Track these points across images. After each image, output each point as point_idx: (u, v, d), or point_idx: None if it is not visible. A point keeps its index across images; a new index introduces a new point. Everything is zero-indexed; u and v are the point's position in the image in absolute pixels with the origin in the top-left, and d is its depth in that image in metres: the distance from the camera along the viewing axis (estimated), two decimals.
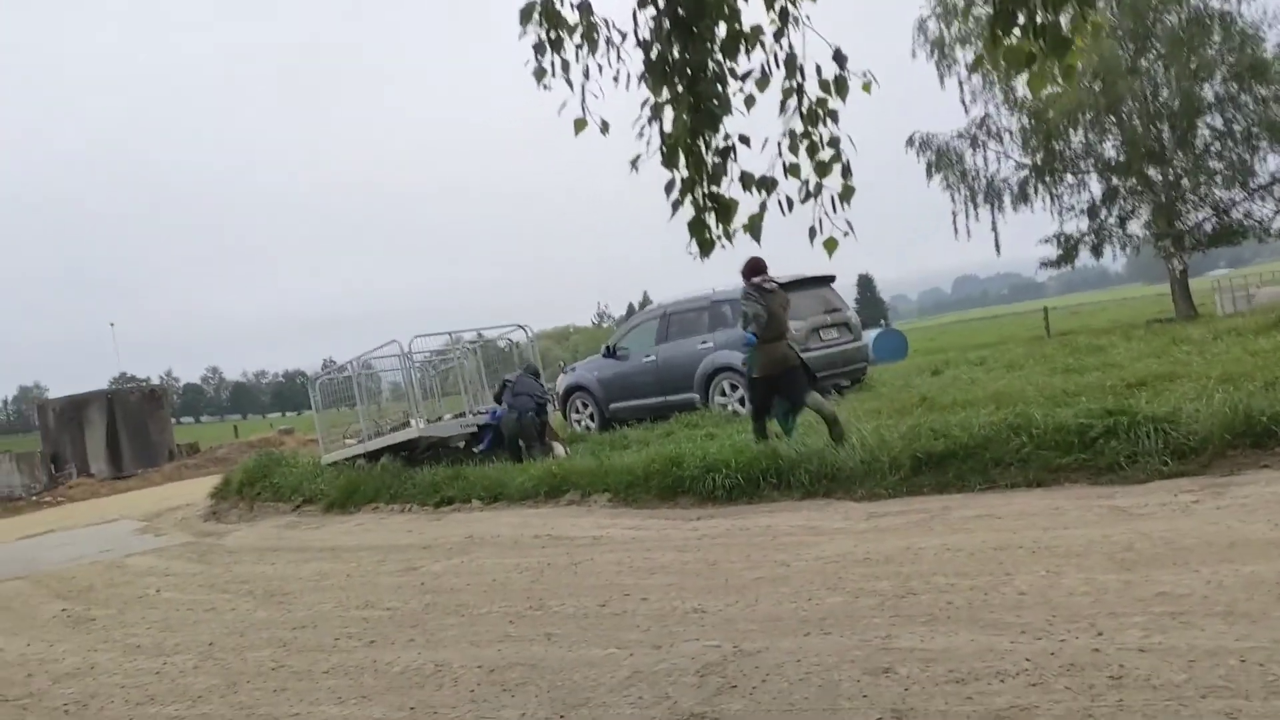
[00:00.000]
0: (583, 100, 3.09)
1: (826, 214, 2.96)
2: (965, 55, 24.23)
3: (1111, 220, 25.69)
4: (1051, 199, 25.39)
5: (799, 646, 3.80)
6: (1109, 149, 24.91)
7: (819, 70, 2.96)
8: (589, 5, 3.05)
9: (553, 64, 3.10)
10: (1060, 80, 2.54)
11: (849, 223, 2.97)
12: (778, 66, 3.00)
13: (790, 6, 2.96)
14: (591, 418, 13.87)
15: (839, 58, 2.90)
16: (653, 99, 3.01)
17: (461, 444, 11.70)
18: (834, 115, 2.97)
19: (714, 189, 3.05)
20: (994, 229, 25.72)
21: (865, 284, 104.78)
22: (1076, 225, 25.95)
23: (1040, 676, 3.13)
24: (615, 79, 3.07)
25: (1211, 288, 28.62)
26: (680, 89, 2.95)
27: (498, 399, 11.23)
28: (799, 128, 2.99)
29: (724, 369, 12.03)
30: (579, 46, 3.05)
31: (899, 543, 5.19)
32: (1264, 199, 23.81)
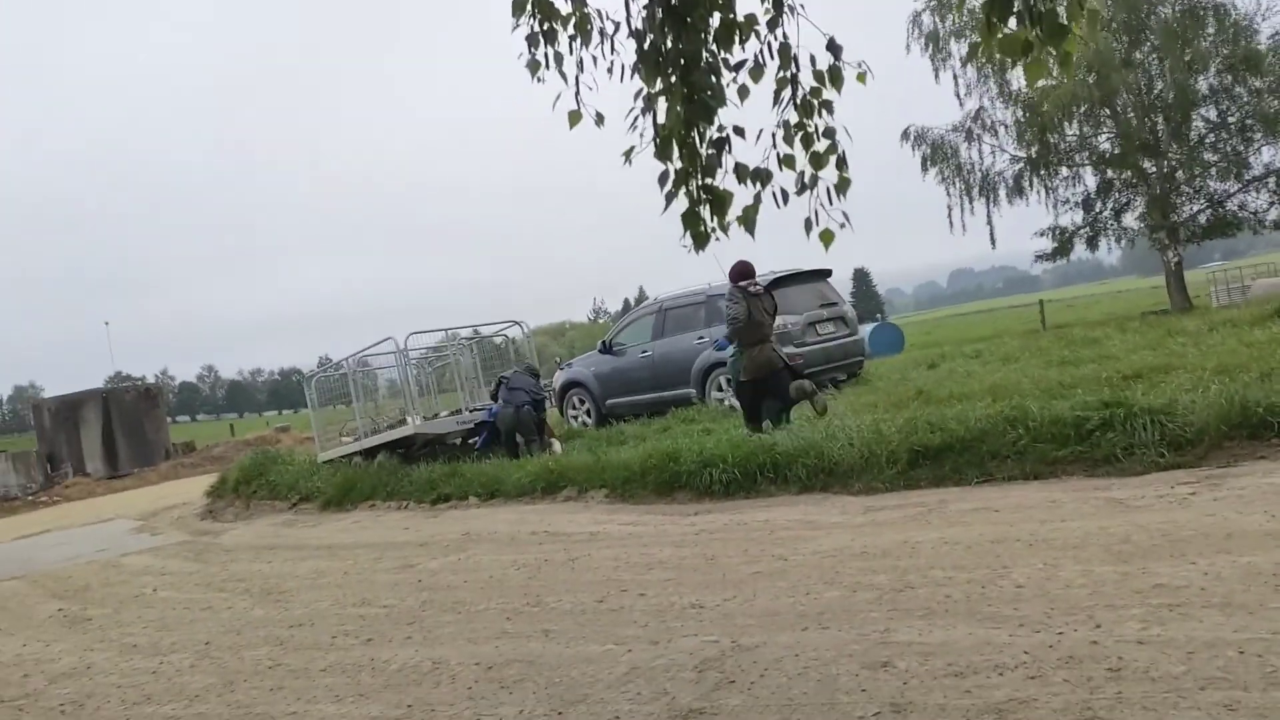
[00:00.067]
0: (577, 93, 3.07)
1: (822, 206, 2.94)
2: (959, 49, 24.25)
3: (1106, 213, 25.73)
4: (1046, 192, 25.44)
5: (797, 641, 3.80)
6: (1103, 141, 24.94)
7: (813, 60, 2.93)
8: None
9: (546, 56, 3.08)
10: (1057, 69, 2.52)
11: (845, 214, 2.95)
12: (772, 57, 2.97)
13: None
14: (588, 413, 13.86)
15: (833, 47, 2.87)
16: (646, 90, 2.99)
17: (458, 441, 11.69)
18: (829, 106, 2.95)
19: (708, 181, 3.03)
20: (989, 222, 25.77)
21: (861, 278, 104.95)
22: (1071, 218, 26.02)
23: (1039, 669, 3.13)
24: (609, 71, 3.04)
25: (1206, 280, 28.69)
26: (674, 80, 2.92)
27: (493, 397, 11.22)
28: (794, 119, 2.97)
29: (720, 364, 12.02)
30: (572, 38, 3.03)
31: (896, 536, 5.19)
32: (1258, 191, 23.84)
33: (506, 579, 5.75)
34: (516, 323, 13.15)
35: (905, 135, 25.81)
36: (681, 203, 3.05)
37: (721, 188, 3.05)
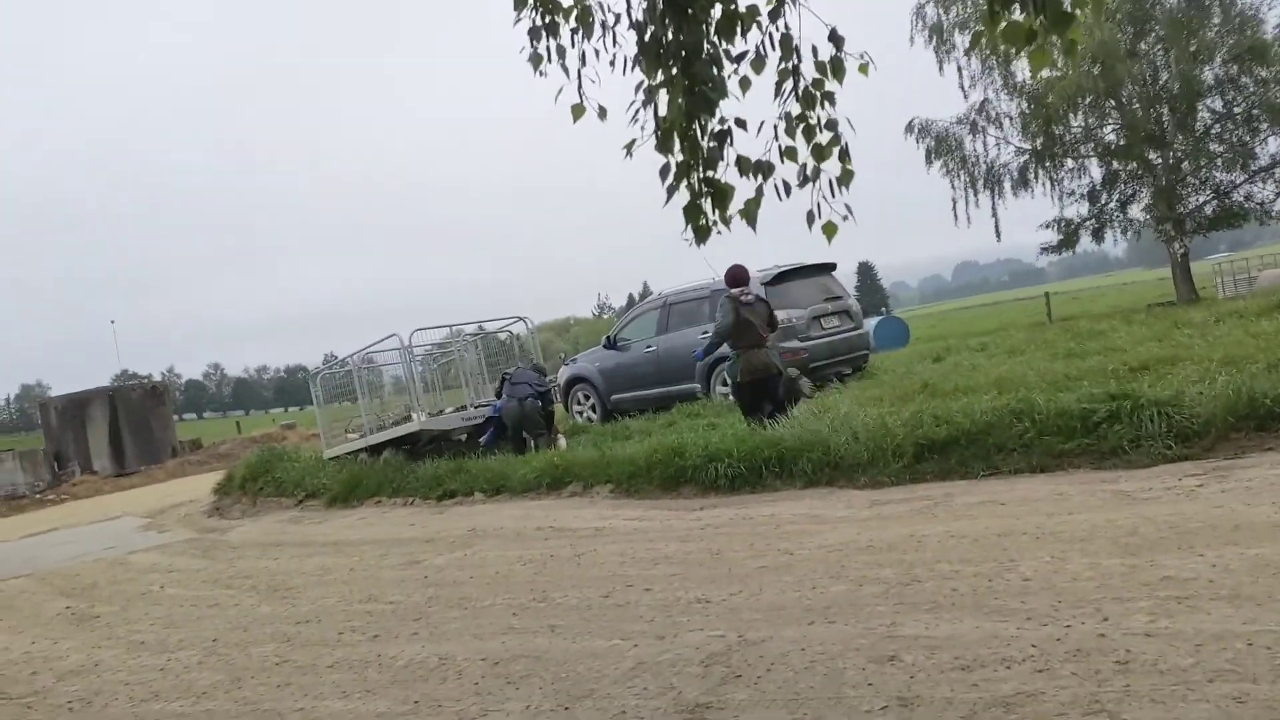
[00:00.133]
0: (579, 86, 3.06)
1: (825, 198, 2.92)
2: (963, 40, 24.11)
3: (1112, 204, 25.60)
4: (1051, 184, 25.31)
5: (803, 635, 3.79)
6: (1109, 133, 24.81)
7: (815, 52, 2.91)
8: None
9: (548, 50, 3.06)
10: (1062, 57, 2.49)
11: (848, 207, 2.93)
12: (773, 48, 2.95)
13: None
14: (593, 409, 13.85)
15: (835, 38, 2.85)
16: (647, 82, 2.97)
17: (463, 437, 11.69)
18: (831, 97, 2.92)
19: (710, 174, 3.01)
20: (994, 215, 25.65)
21: (866, 271, 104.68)
22: (1077, 210, 25.89)
23: (1046, 662, 3.12)
24: (612, 64, 3.03)
25: (1213, 271, 28.57)
26: (675, 71, 2.90)
27: (499, 395, 11.22)
28: (795, 110, 2.95)
29: (725, 358, 12.00)
30: (574, 31, 3.01)
31: (903, 530, 5.18)
32: (1265, 181, 23.70)
33: (512, 574, 5.75)
34: (521, 318, 13.14)
35: (909, 128, 25.72)
36: (683, 196, 3.03)
37: (723, 180, 3.03)
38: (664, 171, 3.00)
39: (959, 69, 24.76)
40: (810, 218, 2.94)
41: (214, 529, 10.48)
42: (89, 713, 4.45)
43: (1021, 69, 22.80)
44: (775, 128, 2.97)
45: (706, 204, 3.02)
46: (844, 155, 2.93)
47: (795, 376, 8.44)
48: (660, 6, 2.87)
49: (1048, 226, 26.35)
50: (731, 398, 11.55)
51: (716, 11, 2.94)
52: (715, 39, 2.96)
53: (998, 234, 26.32)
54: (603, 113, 3.06)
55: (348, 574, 6.62)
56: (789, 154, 2.97)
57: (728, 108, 3.02)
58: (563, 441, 10.68)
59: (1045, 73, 20.82)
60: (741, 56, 3.01)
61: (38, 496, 20.21)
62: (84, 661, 5.34)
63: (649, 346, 13.13)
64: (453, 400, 12.67)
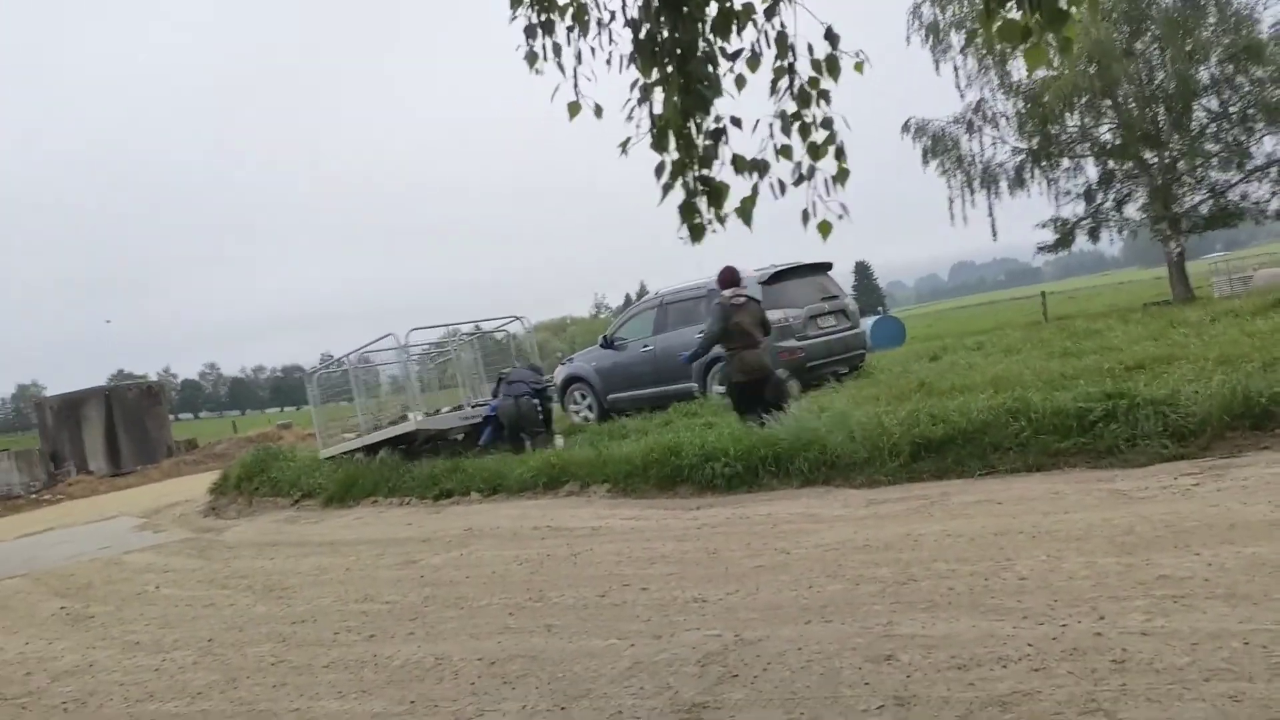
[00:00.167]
0: (575, 84, 3.05)
1: (820, 197, 2.91)
2: (960, 39, 24.15)
3: (1108, 204, 25.63)
4: (1048, 183, 25.34)
5: (800, 635, 3.79)
6: (1105, 132, 24.84)
7: (811, 50, 2.91)
8: None
9: (544, 48, 3.05)
10: (1058, 55, 2.49)
11: (843, 205, 2.93)
12: (769, 46, 2.94)
13: None
14: (590, 408, 13.85)
15: (831, 36, 2.84)
16: (642, 80, 2.96)
17: (460, 436, 11.68)
18: (826, 95, 2.92)
19: (705, 172, 3.00)
20: (990, 214, 25.67)
21: (862, 271, 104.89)
22: (1073, 209, 25.91)
23: (1042, 661, 3.12)
24: (608, 62, 3.02)
25: (1209, 270, 28.60)
26: (670, 69, 2.89)
27: (495, 395, 11.20)
28: (791, 108, 2.94)
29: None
30: (570, 29, 3.00)
31: (899, 529, 5.18)
32: (1260, 180, 23.74)
33: (509, 574, 5.74)
34: (518, 317, 13.12)
35: (906, 127, 25.74)
36: (678, 194, 3.02)
37: (718, 179, 3.02)
38: (659, 170, 2.99)
39: (955, 68, 24.78)
40: (805, 216, 2.93)
41: (209, 529, 10.46)
42: (84, 713, 4.44)
43: (1018, 68, 22.83)
44: (771, 126, 2.96)
45: (702, 202, 3.01)
46: (839, 153, 2.92)
47: (785, 377, 8.52)
48: (655, 4, 2.86)
49: (1044, 226, 26.39)
50: (727, 398, 11.61)
51: (712, 9, 2.93)
52: (710, 37, 2.95)
53: (994, 233, 26.37)
54: (599, 111, 3.05)
55: (344, 574, 6.61)
56: (784, 152, 2.95)
57: (723, 106, 3.01)
58: (560, 441, 10.68)
59: (1041, 71, 20.84)
60: (737, 54, 2.99)
61: (33, 496, 20.17)
62: (79, 662, 5.33)
63: (646, 346, 13.12)
64: (449, 400, 12.67)
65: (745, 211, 2.98)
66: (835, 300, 12.94)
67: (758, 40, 2.95)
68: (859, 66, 2.88)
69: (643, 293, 67.19)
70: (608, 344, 13.71)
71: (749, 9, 2.92)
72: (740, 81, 3.00)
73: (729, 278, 8.69)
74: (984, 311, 40.99)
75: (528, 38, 3.05)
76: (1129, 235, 26.85)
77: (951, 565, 4.34)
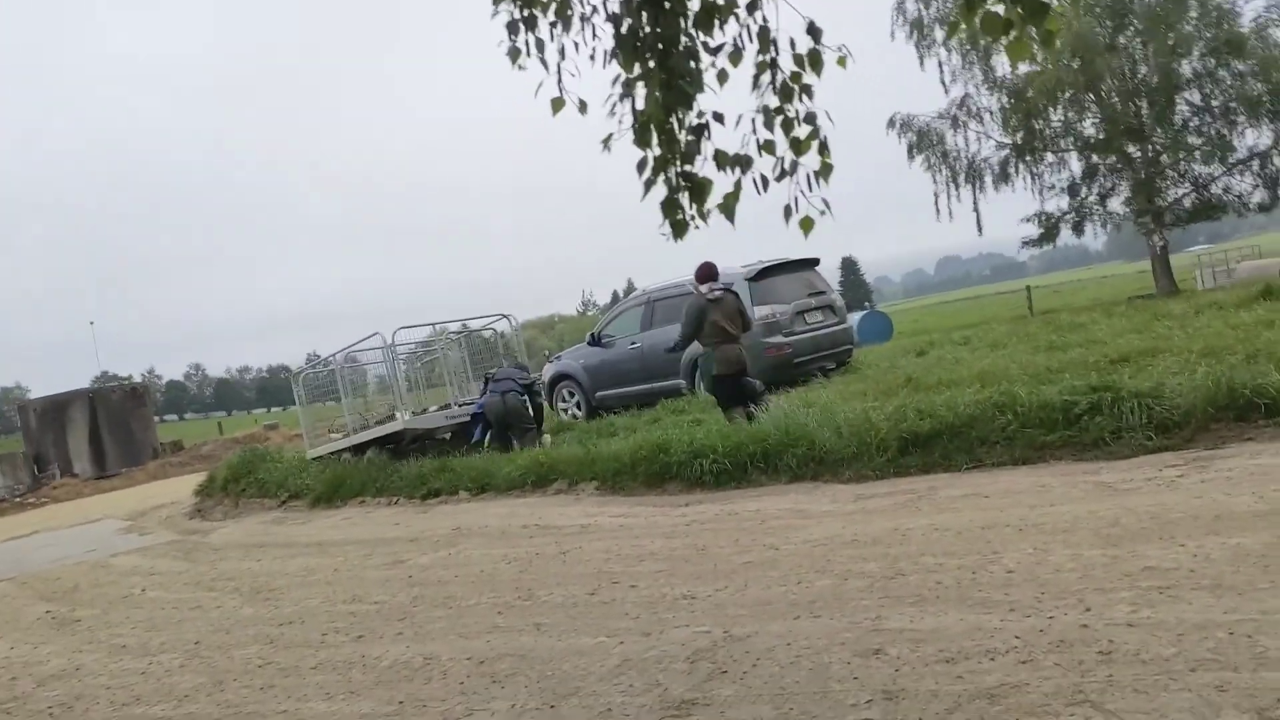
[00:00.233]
0: (559, 79, 3.03)
1: (802, 192, 2.91)
2: (943, 34, 24.23)
3: (1092, 198, 25.82)
4: (1032, 178, 25.55)
5: (789, 630, 3.79)
6: (1088, 127, 25.00)
7: (793, 44, 2.90)
8: None
9: (527, 43, 3.03)
10: (1039, 48, 2.49)
11: (825, 201, 2.92)
12: (751, 40, 2.93)
13: None
14: (578, 406, 13.83)
15: (813, 31, 2.84)
16: (624, 75, 2.95)
17: (448, 436, 11.65)
18: (809, 90, 2.91)
19: (687, 168, 2.99)
20: (975, 209, 25.87)
21: (849, 266, 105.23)
22: (1057, 204, 26.14)
23: (1030, 654, 3.13)
24: (591, 57, 3.00)
25: (1192, 263, 28.82)
26: (652, 64, 2.88)
27: (483, 394, 11.18)
28: (774, 103, 2.93)
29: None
30: (553, 24, 2.99)
31: (887, 524, 5.19)
32: (1242, 174, 23.96)
33: (497, 573, 5.73)
34: (504, 316, 13.09)
35: (891, 123, 25.86)
36: (660, 190, 3.01)
37: (701, 175, 3.01)
38: (641, 166, 2.97)
39: (940, 64, 24.91)
40: (787, 212, 2.93)
41: (196, 531, 10.39)
42: (70, 717, 4.40)
43: (1001, 63, 22.95)
44: (753, 121, 2.95)
45: (684, 198, 3.00)
46: (823, 148, 2.91)
47: (760, 390, 8.74)
48: None
49: (1029, 220, 26.57)
50: (707, 393, 11.61)
51: (694, 4, 2.91)
52: (693, 31, 2.94)
53: (979, 228, 26.56)
54: (583, 106, 3.04)
55: (331, 574, 6.58)
56: (767, 147, 2.95)
57: (705, 101, 3.00)
58: (547, 439, 10.66)
59: (1024, 66, 20.93)
60: (719, 49, 2.98)
61: (17, 500, 20.01)
62: (65, 666, 5.28)
63: (633, 343, 13.12)
64: (436, 399, 12.62)
65: (728, 207, 2.97)
66: (822, 296, 12.96)
67: (740, 35, 2.95)
68: (842, 61, 2.88)
69: (630, 290, 67.17)
70: (595, 341, 13.69)
71: (731, 3, 2.91)
72: (722, 76, 2.99)
73: (706, 272, 8.73)
74: (970, 306, 41.21)
75: (510, 33, 3.03)
76: (1113, 229, 27.05)
77: (939, 559, 4.35)
